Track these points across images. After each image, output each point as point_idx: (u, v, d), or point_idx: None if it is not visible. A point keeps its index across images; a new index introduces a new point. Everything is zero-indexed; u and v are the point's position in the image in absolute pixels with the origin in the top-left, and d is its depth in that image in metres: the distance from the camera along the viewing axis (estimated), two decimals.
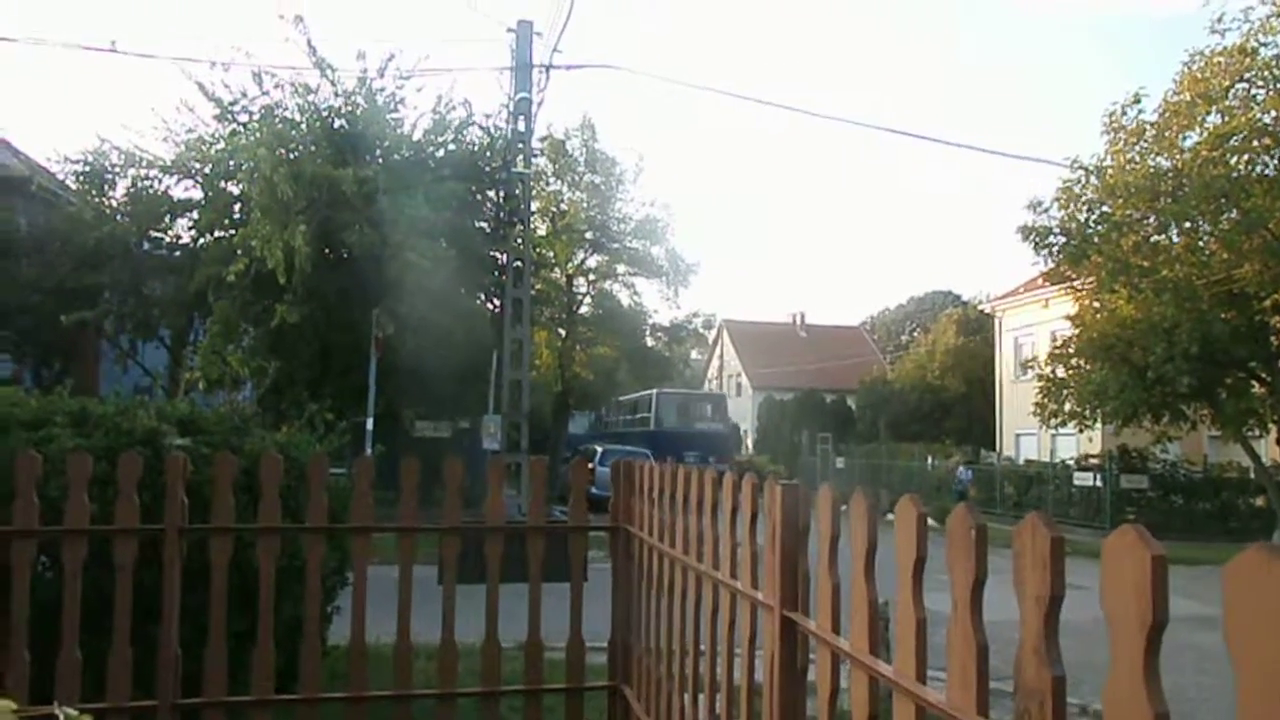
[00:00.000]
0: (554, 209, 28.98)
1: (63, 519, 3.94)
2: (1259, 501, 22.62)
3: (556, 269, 28.41)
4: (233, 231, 15.05)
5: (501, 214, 17.75)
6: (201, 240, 16.06)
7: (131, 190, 15.90)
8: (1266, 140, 16.91)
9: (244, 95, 15.59)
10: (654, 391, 27.41)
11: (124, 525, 3.96)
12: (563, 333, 29.89)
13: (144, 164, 15.78)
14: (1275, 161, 17.37)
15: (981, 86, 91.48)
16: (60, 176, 16.71)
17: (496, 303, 18.21)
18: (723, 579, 2.93)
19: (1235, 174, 17.16)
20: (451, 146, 16.97)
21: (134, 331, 16.86)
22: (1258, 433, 20.46)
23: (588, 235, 28.94)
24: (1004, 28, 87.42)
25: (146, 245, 16.62)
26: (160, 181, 15.96)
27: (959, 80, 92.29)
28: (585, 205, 28.87)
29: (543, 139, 25.75)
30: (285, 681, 4.23)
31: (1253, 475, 21.82)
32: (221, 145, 15.29)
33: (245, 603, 4.20)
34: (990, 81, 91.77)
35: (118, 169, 15.78)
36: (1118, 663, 1.18)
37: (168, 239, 16.77)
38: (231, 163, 14.91)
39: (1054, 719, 1.29)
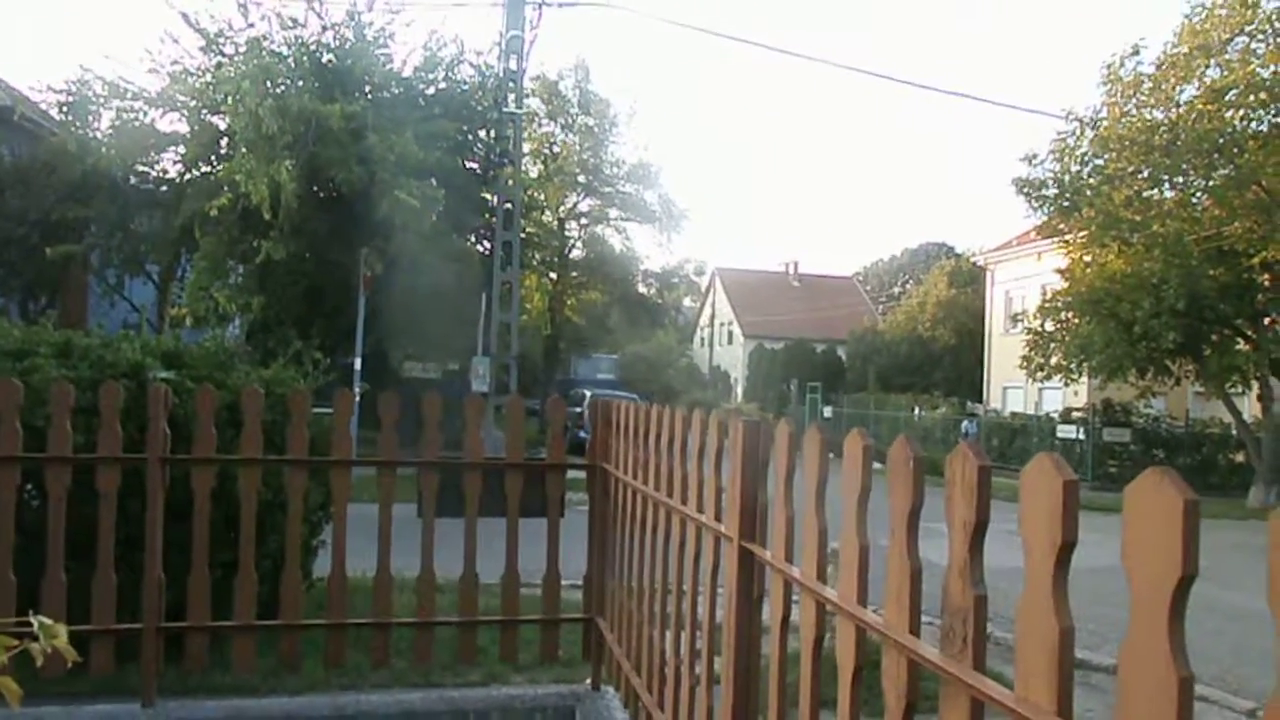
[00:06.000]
0: (546, 151, 28.72)
1: (46, 447, 4.00)
2: (1239, 457, 22.93)
3: (548, 212, 28.21)
4: (219, 166, 14.87)
5: (492, 155, 17.56)
6: (188, 175, 15.86)
7: (116, 122, 15.62)
8: (1263, 95, 16.80)
9: (229, 27, 15.28)
10: (572, 355, 35.46)
11: (106, 454, 4.03)
12: (553, 276, 29.84)
13: (129, 95, 15.49)
14: (1270, 117, 17.28)
15: (981, 35, 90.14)
16: (44, 107, 16.41)
17: (487, 245, 18.12)
18: (689, 513, 3.02)
19: (1230, 129, 17.08)
20: (442, 84, 16.70)
21: (121, 266, 16.74)
22: (1240, 389, 20.67)
23: (580, 178, 28.74)
24: None
25: (132, 179, 16.40)
26: (145, 114, 15.68)
27: (959, 28, 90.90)
28: (578, 148, 28.62)
29: (535, 79, 25.41)
30: (270, 611, 4.34)
31: (1234, 431, 22.11)
32: (207, 78, 15.02)
33: (230, 534, 4.28)
34: (990, 30, 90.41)
35: (102, 100, 15.49)
36: (1031, 581, 1.25)
37: (154, 173, 16.54)
38: (217, 96, 14.67)
39: (975, 633, 1.37)
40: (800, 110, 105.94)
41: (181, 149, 15.75)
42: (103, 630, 3.99)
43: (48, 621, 1.57)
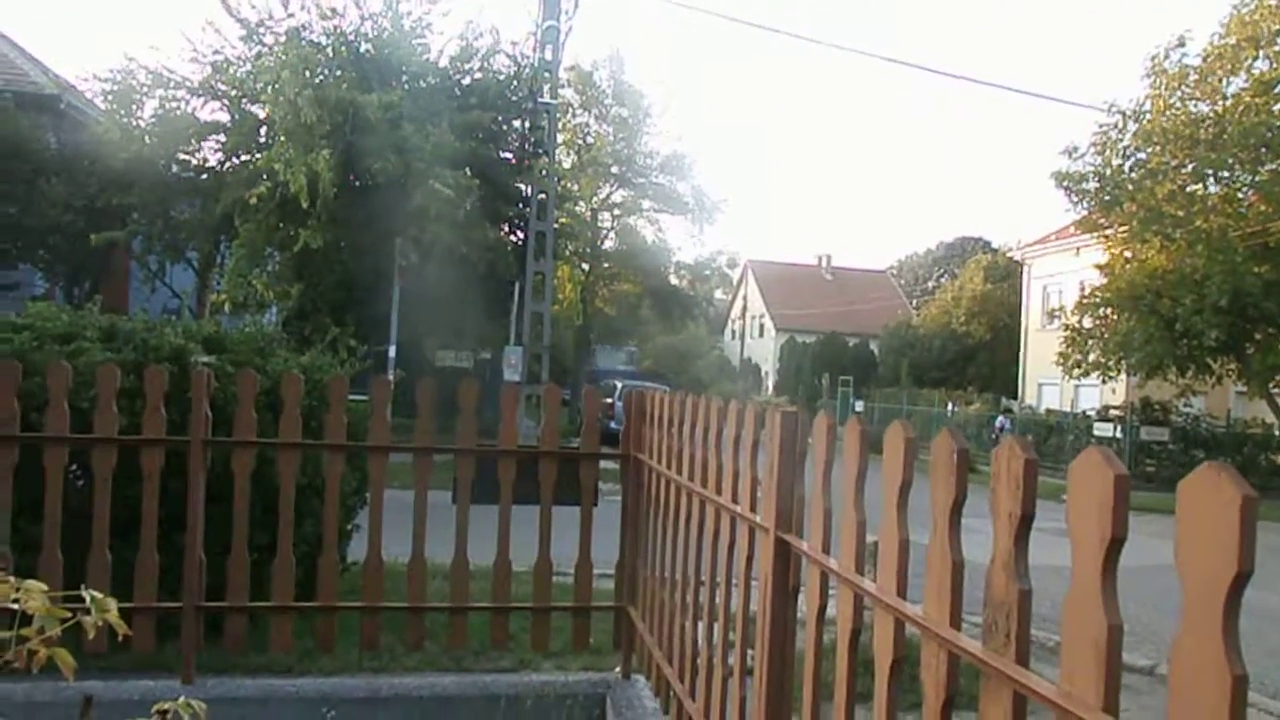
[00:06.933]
0: (580, 141, 28.73)
1: (92, 429, 4.08)
2: None
3: (581, 203, 28.24)
4: (258, 155, 15.04)
5: (527, 145, 17.61)
6: (228, 163, 16.07)
7: (159, 111, 15.86)
8: None
9: (270, 17, 15.44)
10: (594, 346, 36.07)
11: (150, 436, 4.10)
12: (586, 267, 29.88)
13: (171, 85, 15.70)
14: None
15: (1020, 26, 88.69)
16: (89, 96, 16.68)
17: (520, 235, 18.18)
18: (724, 503, 3.02)
19: (1278, 123, 16.69)
20: (478, 75, 16.76)
21: (162, 253, 16.99)
22: None
23: (613, 169, 28.72)
24: None
25: (174, 167, 16.64)
26: (187, 103, 15.89)
27: (997, 19, 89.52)
28: (611, 139, 28.59)
29: (569, 69, 25.40)
30: (305, 593, 4.40)
31: (1276, 432, 21.66)
32: (247, 67, 15.19)
33: (268, 518, 4.34)
34: (1029, 21, 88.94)
35: (145, 89, 15.71)
36: (1078, 575, 1.24)
37: (195, 161, 16.76)
38: (257, 85, 14.84)
39: (1019, 628, 1.36)
40: (836, 102, 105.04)
41: (222, 138, 15.96)
42: (144, 608, 4.06)
43: (99, 595, 1.61)
